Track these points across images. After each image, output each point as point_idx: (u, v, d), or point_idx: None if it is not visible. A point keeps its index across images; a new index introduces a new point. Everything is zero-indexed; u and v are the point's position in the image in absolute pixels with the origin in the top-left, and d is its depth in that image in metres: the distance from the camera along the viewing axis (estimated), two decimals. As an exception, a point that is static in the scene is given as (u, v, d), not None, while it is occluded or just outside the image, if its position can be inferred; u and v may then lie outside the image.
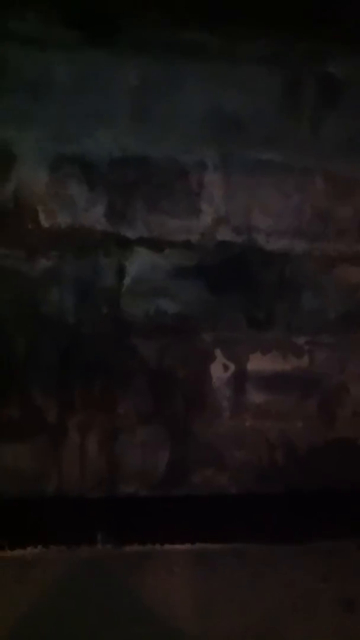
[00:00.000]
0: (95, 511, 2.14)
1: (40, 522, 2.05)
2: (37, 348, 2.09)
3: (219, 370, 2.21)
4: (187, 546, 2.17)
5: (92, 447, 2.16)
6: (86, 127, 2.02)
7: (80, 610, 1.83)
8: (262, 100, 2.14)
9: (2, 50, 1.96)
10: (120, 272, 2.10)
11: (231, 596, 1.97)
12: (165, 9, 1.99)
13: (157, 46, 2.05)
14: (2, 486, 2.07)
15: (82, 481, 2.15)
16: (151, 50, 2.05)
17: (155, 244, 2.11)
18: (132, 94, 2.06)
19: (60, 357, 2.11)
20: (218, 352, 2.20)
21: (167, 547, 2.15)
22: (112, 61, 2.03)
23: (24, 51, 1.98)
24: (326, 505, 2.32)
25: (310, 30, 2.09)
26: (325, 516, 2.30)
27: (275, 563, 2.14)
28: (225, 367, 2.21)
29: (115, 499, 2.18)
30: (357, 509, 2.33)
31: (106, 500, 2.17)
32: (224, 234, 2.16)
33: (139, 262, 2.11)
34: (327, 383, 2.31)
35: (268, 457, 2.29)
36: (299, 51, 2.14)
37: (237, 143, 2.14)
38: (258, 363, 2.23)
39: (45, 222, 2.04)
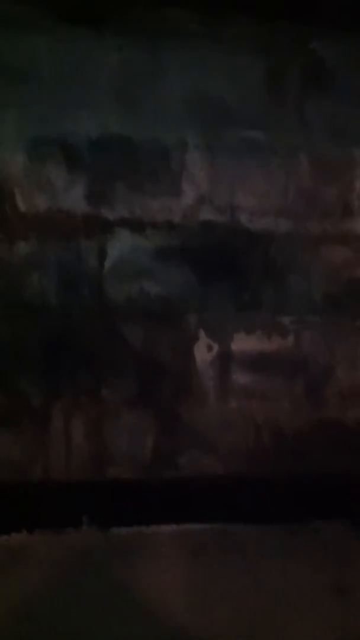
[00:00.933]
0: (81, 495, 2.13)
1: (26, 507, 2.04)
2: (20, 334, 2.08)
3: (203, 351, 2.20)
4: (174, 528, 2.18)
5: (78, 432, 2.15)
6: (66, 109, 2.01)
7: (67, 596, 1.82)
8: (246, 82, 2.12)
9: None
10: (102, 255, 2.09)
11: (218, 577, 1.97)
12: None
13: (139, 28, 2.03)
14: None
15: (67, 466, 2.14)
16: (133, 32, 2.02)
17: (137, 225, 2.10)
18: (113, 75, 2.04)
19: (44, 343, 2.09)
20: (202, 333, 2.19)
21: (154, 528, 2.16)
22: (94, 43, 2.01)
23: (3, 33, 1.95)
24: (314, 486, 2.32)
25: (295, 14, 2.07)
26: (314, 497, 2.30)
27: (263, 544, 2.14)
28: (209, 348, 2.20)
29: (101, 483, 2.18)
30: (345, 489, 2.34)
31: (92, 485, 2.16)
32: (207, 214, 2.14)
33: (121, 244, 2.09)
34: (313, 363, 2.31)
35: (255, 438, 2.29)
36: (283, 34, 2.12)
37: (220, 124, 2.13)
38: (242, 343, 2.22)
39: (22, 206, 2.01)
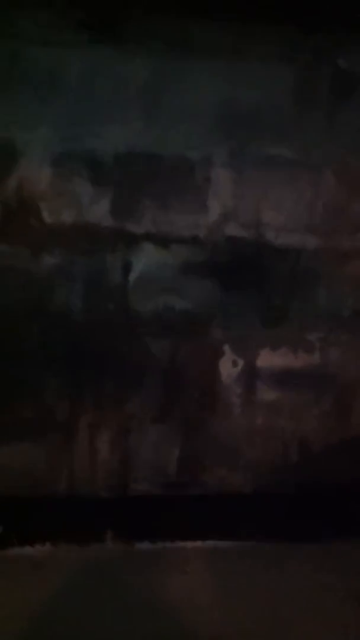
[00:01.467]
0: (106, 510, 2.13)
1: (51, 521, 2.05)
2: (46, 347, 2.09)
3: (229, 366, 2.19)
4: (199, 544, 2.16)
5: (103, 446, 2.15)
6: (93, 124, 2.03)
7: (88, 607, 1.82)
8: (274, 95, 2.12)
9: (12, 49, 1.97)
10: (127, 269, 2.10)
11: (244, 595, 1.95)
12: (175, 6, 1.99)
13: (166, 42, 2.05)
14: (14, 485, 2.06)
15: (93, 480, 2.14)
16: (160, 46, 2.04)
17: (162, 240, 2.11)
18: (140, 90, 2.05)
19: (69, 356, 2.10)
20: (227, 348, 2.18)
21: (179, 544, 2.15)
22: (121, 58, 2.04)
23: (33, 51, 1.99)
24: (341, 502, 2.29)
25: (321, 26, 2.08)
26: (341, 515, 2.27)
27: (289, 562, 2.11)
28: (235, 363, 2.20)
29: (126, 498, 2.17)
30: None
31: (117, 500, 2.16)
32: (232, 230, 2.14)
33: (146, 258, 2.11)
34: (340, 379, 2.28)
35: (281, 454, 2.27)
36: (311, 47, 2.12)
37: (247, 139, 2.13)
38: (268, 359, 2.21)
39: (49, 219, 2.04)
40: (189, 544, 2.16)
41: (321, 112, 2.17)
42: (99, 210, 2.07)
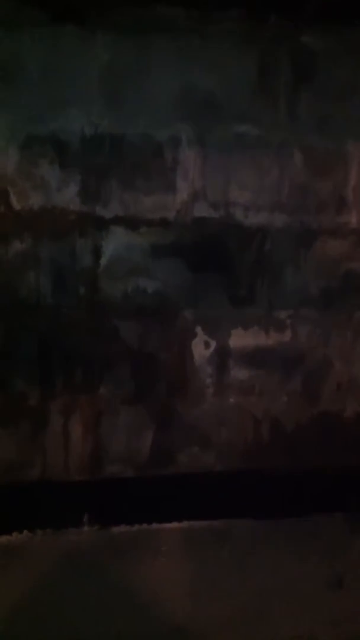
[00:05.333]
0: (81, 494, 2.13)
1: (27, 507, 2.04)
2: (16, 333, 2.07)
3: (201, 348, 2.19)
4: (174, 525, 2.18)
5: (76, 430, 2.14)
6: (57, 107, 1.99)
7: (68, 593, 1.82)
8: (236, 77, 2.11)
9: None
10: (97, 253, 2.08)
11: (219, 573, 1.97)
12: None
13: (127, 25, 2.01)
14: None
15: (66, 465, 2.13)
16: (122, 29, 2.01)
17: (132, 223, 2.09)
18: (103, 72, 2.02)
19: (40, 341, 2.08)
20: (199, 330, 2.18)
21: (155, 526, 2.16)
22: (83, 41, 2.00)
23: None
24: (312, 480, 2.32)
25: (283, 8, 2.06)
26: (312, 491, 2.30)
27: (263, 540, 2.14)
28: (207, 344, 2.20)
29: (101, 482, 2.17)
30: (343, 483, 2.34)
31: (92, 483, 2.16)
32: (201, 210, 2.13)
33: (116, 241, 2.09)
34: (310, 358, 2.30)
35: (253, 433, 2.28)
36: (272, 28, 2.10)
37: (212, 119, 2.11)
38: (240, 339, 2.22)
39: (17, 204, 2.00)
40: (165, 526, 2.17)
41: (284, 93, 2.16)
42: (67, 194, 2.04)
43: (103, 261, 2.08)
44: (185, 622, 1.74)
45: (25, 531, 1.93)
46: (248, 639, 1.72)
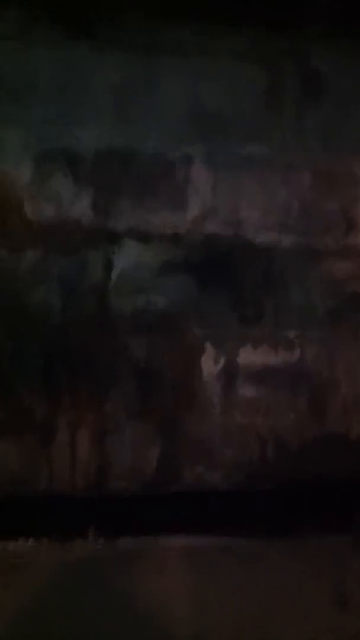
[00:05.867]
0: (86, 510, 2.11)
1: (32, 521, 2.02)
2: (24, 346, 2.07)
3: (210, 365, 2.20)
4: (178, 542, 2.16)
5: (82, 446, 2.13)
6: (71, 123, 2.02)
7: (71, 604, 1.81)
8: (245, 96, 2.14)
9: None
10: (108, 267, 2.09)
11: (223, 592, 1.95)
12: (145, 7, 1.99)
13: (137, 44, 2.05)
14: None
15: (72, 479, 2.12)
16: (132, 47, 2.05)
17: (143, 238, 2.10)
18: (114, 90, 2.06)
19: (48, 355, 2.09)
20: (208, 346, 2.19)
21: (159, 541, 2.14)
22: (94, 58, 2.03)
23: (5, 50, 1.97)
24: (318, 500, 2.31)
25: (291, 26, 2.10)
26: (317, 512, 2.29)
27: (267, 559, 2.13)
28: (216, 361, 2.20)
29: (106, 497, 2.16)
30: (349, 504, 2.33)
31: (97, 499, 2.15)
32: (212, 228, 2.15)
33: (127, 256, 2.10)
34: (317, 377, 2.30)
35: (259, 453, 2.28)
36: (280, 47, 2.14)
37: (221, 138, 2.14)
38: (248, 357, 2.22)
39: (31, 216, 2.02)
40: (169, 541, 2.16)
41: (293, 112, 2.19)
42: (80, 207, 2.05)
43: (114, 275, 2.09)
44: (191, 637, 1.72)
45: (30, 540, 1.92)
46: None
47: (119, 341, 2.12)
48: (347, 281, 2.29)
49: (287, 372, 2.27)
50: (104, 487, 2.15)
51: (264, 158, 2.17)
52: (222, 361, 2.20)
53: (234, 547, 2.16)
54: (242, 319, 2.21)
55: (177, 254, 2.13)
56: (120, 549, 2.06)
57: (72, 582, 1.89)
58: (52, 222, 2.04)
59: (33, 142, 2.01)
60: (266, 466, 2.29)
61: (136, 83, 2.07)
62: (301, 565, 2.11)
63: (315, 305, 2.28)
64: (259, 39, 2.11)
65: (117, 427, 2.16)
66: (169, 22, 2.04)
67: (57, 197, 2.03)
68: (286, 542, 2.19)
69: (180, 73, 2.09)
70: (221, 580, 2.01)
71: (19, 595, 1.81)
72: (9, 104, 1.99)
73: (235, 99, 2.13)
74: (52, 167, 2.01)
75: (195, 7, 2.00)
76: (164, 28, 2.05)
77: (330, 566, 2.13)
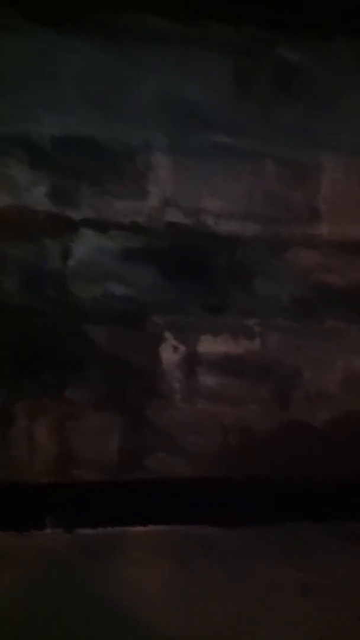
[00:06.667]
0: (45, 497, 2.12)
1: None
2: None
3: (170, 353, 2.20)
4: (141, 529, 2.17)
5: (42, 433, 2.13)
6: (30, 108, 2.01)
7: (31, 598, 1.79)
8: (215, 85, 2.14)
9: None
10: (66, 255, 2.09)
11: (187, 579, 1.96)
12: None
13: (104, 30, 2.04)
14: None
15: (31, 467, 2.12)
16: (98, 33, 2.03)
17: (102, 226, 2.10)
18: (79, 76, 2.05)
19: (7, 343, 2.08)
20: (168, 335, 2.19)
21: (121, 530, 2.15)
22: (59, 43, 2.02)
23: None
24: (283, 487, 2.32)
25: (263, 19, 2.10)
26: (283, 498, 2.30)
27: (231, 546, 2.14)
28: (176, 349, 2.20)
29: (66, 485, 2.16)
30: (314, 490, 2.34)
31: (57, 486, 2.15)
32: (173, 216, 2.15)
33: (86, 244, 2.10)
34: (280, 366, 2.31)
35: (222, 440, 2.29)
36: (252, 38, 2.14)
37: (187, 126, 2.14)
38: (209, 345, 2.22)
39: (-14, 203, 2.02)
40: (131, 529, 2.17)
41: (261, 102, 2.20)
42: (37, 195, 2.05)
43: (72, 264, 2.09)
44: (154, 627, 1.72)
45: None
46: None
47: (79, 329, 2.12)
48: (312, 270, 2.31)
49: (250, 361, 2.28)
50: (65, 474, 2.15)
51: (229, 147, 2.17)
52: (182, 350, 2.21)
53: (202, 535, 2.17)
54: (205, 307, 2.22)
55: (137, 242, 2.13)
56: (82, 538, 2.06)
57: (29, 574, 1.88)
58: (8, 209, 2.02)
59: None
60: (230, 454, 2.30)
61: (101, 70, 2.06)
62: (268, 553, 2.12)
63: (280, 294, 2.29)
64: (232, 30, 2.10)
65: (78, 414, 2.16)
66: (136, 10, 2.03)
67: (13, 184, 2.02)
68: (252, 529, 2.20)
69: (150, 60, 2.08)
70: (187, 569, 2.01)
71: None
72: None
73: (204, 88, 2.13)
74: (7, 154, 2.00)
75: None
76: (131, 16, 2.04)
77: (298, 554, 2.14)
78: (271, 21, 2.11)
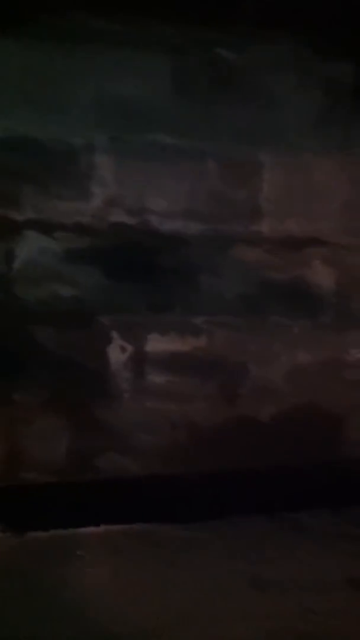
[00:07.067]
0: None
1: None
2: None
3: (117, 353, 2.21)
4: (94, 529, 2.17)
5: (-10, 437, 2.11)
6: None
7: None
8: (154, 85, 2.14)
9: None
10: (10, 257, 2.07)
11: (140, 577, 1.97)
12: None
13: (43, 31, 2.02)
14: None
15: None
16: (39, 34, 2.02)
17: (45, 227, 2.09)
18: (18, 77, 2.03)
19: None
20: (115, 335, 2.20)
21: (74, 531, 2.15)
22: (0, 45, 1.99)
23: None
24: (232, 481, 2.35)
25: (202, 18, 2.11)
26: (232, 492, 2.34)
27: (184, 541, 2.16)
28: (123, 349, 2.21)
29: (17, 488, 2.15)
30: (262, 483, 2.38)
31: (7, 490, 2.13)
32: (117, 216, 2.15)
33: (30, 246, 2.08)
34: (227, 362, 2.34)
35: (171, 437, 2.30)
36: (191, 37, 2.15)
37: (129, 126, 2.14)
38: (156, 344, 2.24)
39: None
40: (83, 530, 2.17)
41: (201, 101, 2.21)
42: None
43: (17, 265, 2.07)
44: (109, 625, 1.73)
45: None
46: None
47: (26, 331, 2.10)
48: (256, 267, 2.34)
49: (197, 358, 2.30)
50: (15, 478, 2.13)
51: (171, 146, 2.19)
52: (129, 349, 2.22)
53: (151, 533, 2.18)
54: (151, 307, 2.23)
55: (82, 243, 2.12)
56: (33, 541, 2.05)
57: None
58: None
59: None
60: (180, 450, 2.32)
61: (41, 71, 2.04)
62: (219, 547, 2.14)
63: (225, 292, 2.31)
64: (170, 29, 2.11)
65: (27, 417, 2.14)
66: (76, 11, 2.02)
67: None
68: (203, 525, 2.22)
69: (88, 62, 2.07)
70: (138, 567, 2.02)
71: None
72: None
73: (143, 88, 2.13)
74: None
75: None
76: (71, 16, 2.03)
77: (247, 546, 2.17)
78: (208, 21, 2.12)
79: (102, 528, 2.20)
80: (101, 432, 2.23)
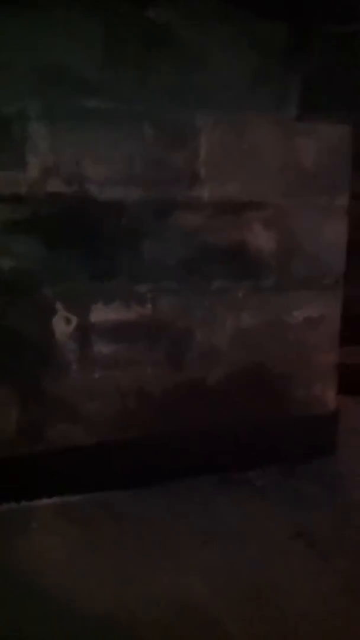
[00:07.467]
0: None
1: None
2: None
3: (62, 324, 2.19)
4: (48, 501, 2.18)
5: None
6: None
7: None
8: (84, 49, 2.09)
9: None
10: None
11: (98, 546, 1.99)
12: None
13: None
14: None
15: None
16: None
17: (-18, 199, 2.04)
18: None
19: None
20: (59, 306, 2.18)
21: (27, 504, 2.15)
22: None
23: None
24: (182, 444, 2.39)
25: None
26: (183, 455, 2.37)
27: (140, 507, 2.19)
28: (68, 320, 2.20)
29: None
30: (211, 445, 2.43)
31: None
32: (54, 185, 2.12)
33: (-34, 218, 2.03)
34: (173, 329, 2.36)
35: (121, 405, 2.32)
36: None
37: (61, 93, 2.09)
38: (101, 314, 2.23)
39: None
40: (36, 503, 2.17)
41: (134, 64, 2.17)
42: None
43: None
44: (68, 598, 1.75)
45: None
46: (125, 599, 1.76)
47: (-34, 304, 2.07)
48: (196, 232, 2.34)
49: (143, 326, 2.31)
50: None
51: (106, 112, 2.15)
52: (74, 320, 2.20)
53: (106, 501, 2.20)
54: (94, 276, 2.22)
55: (20, 214, 2.09)
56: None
57: None
58: None
59: None
60: (129, 417, 2.34)
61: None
62: (174, 510, 2.18)
63: (168, 258, 2.31)
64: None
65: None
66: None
67: None
68: (158, 489, 2.26)
69: (16, 26, 2.01)
70: (93, 534, 2.04)
71: None
72: None
73: (75, 53, 2.08)
74: None
75: None
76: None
77: (200, 507, 2.22)
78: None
79: (55, 499, 2.21)
80: (50, 403, 2.23)
